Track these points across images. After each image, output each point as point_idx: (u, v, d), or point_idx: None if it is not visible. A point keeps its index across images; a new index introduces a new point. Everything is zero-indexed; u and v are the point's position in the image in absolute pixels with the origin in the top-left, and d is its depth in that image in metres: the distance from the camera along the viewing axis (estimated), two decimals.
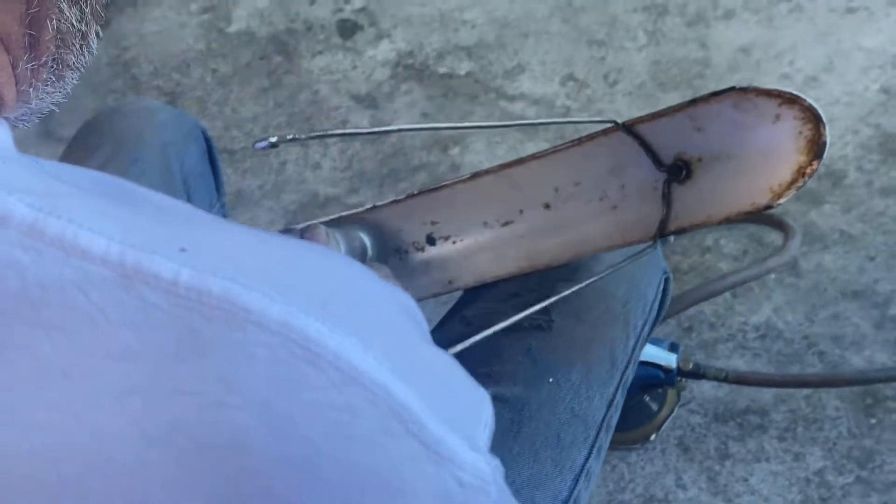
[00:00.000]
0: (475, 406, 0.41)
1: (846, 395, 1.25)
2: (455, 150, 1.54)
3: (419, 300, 0.84)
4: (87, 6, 0.44)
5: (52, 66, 0.44)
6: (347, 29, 1.70)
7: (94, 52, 0.46)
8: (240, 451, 0.33)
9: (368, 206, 0.80)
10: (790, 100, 0.67)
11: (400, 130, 0.75)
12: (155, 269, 0.33)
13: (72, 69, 0.45)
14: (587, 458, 0.75)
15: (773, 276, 1.35)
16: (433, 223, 0.80)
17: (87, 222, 0.34)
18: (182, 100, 1.66)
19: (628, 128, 0.72)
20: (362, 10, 1.72)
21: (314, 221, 0.78)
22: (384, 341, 0.36)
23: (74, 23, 0.43)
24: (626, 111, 1.55)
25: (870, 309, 1.32)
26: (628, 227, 0.74)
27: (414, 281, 0.81)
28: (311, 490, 0.34)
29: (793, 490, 1.19)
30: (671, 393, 1.26)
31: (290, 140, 0.64)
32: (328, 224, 0.78)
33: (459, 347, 0.62)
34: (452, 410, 0.38)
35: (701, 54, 1.57)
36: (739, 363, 1.30)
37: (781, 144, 0.68)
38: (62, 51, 0.44)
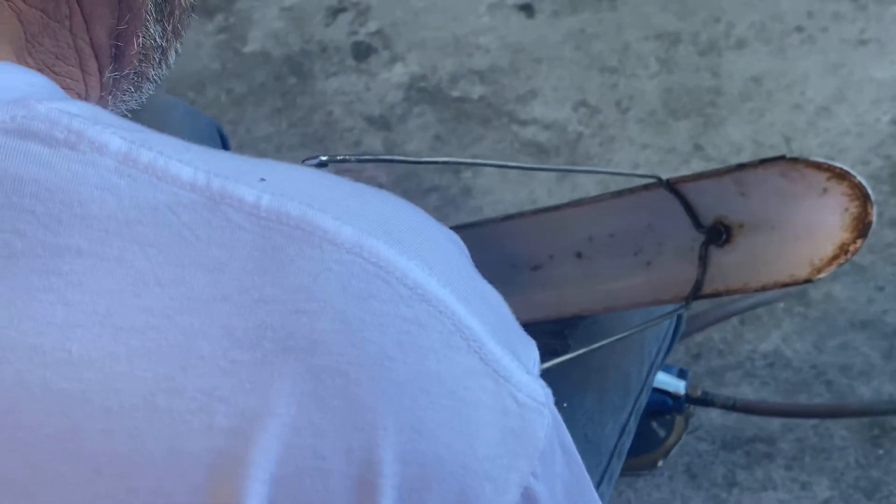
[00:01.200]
0: (527, 345, 0.43)
1: (853, 425, 1.25)
2: (467, 174, 1.55)
3: None
4: (169, 24, 0.48)
5: (133, 78, 0.48)
6: (362, 51, 1.71)
7: (172, 66, 0.50)
8: (318, 353, 0.35)
9: None
10: (840, 175, 0.67)
11: (449, 163, 0.75)
12: (238, 193, 0.36)
13: (150, 81, 0.49)
14: (598, 485, 0.75)
15: (781, 305, 1.36)
16: None
17: (174, 154, 0.37)
18: None
19: (671, 186, 0.72)
20: (377, 32, 1.73)
21: None
22: (445, 266, 0.39)
23: (157, 39, 0.47)
24: (638, 138, 1.56)
25: (878, 339, 1.32)
26: (661, 286, 0.74)
27: None
28: (383, 391, 0.36)
29: None
30: (679, 420, 1.26)
31: (340, 161, 0.64)
32: None
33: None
34: (507, 337, 0.40)
35: (713, 83, 1.58)
36: (747, 391, 1.30)
37: (826, 219, 0.68)
38: (143, 65, 0.48)
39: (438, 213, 1.51)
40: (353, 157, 0.66)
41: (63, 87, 0.44)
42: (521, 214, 0.77)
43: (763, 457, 1.25)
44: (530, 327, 0.78)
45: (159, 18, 0.47)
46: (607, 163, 1.55)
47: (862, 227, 0.67)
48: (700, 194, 0.72)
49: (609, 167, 1.54)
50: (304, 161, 0.64)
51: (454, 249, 0.41)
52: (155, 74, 0.49)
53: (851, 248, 0.67)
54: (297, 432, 0.35)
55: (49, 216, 0.36)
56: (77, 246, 0.36)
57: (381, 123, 1.63)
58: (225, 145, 1.01)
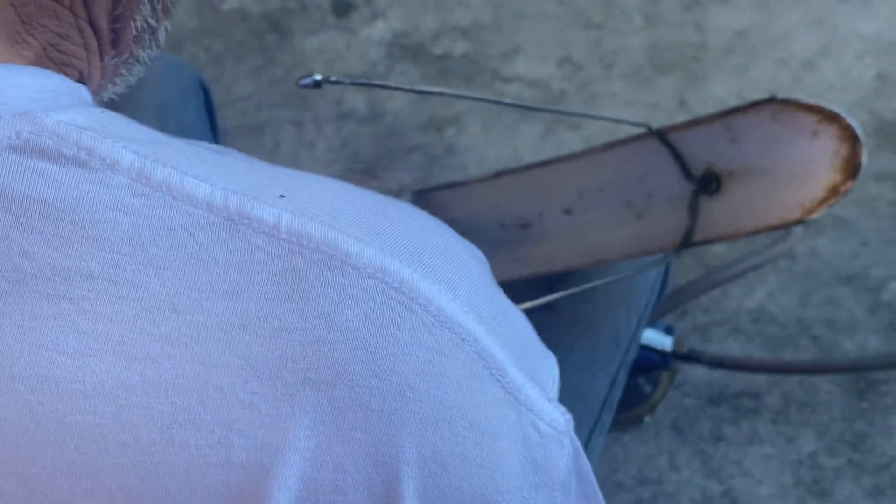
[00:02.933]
0: (547, 362, 0.42)
1: (839, 379, 1.25)
2: (451, 132, 1.53)
3: None
4: (159, 4, 0.46)
5: (129, 62, 0.46)
6: (342, 8, 1.69)
7: (161, 45, 0.48)
8: (340, 384, 0.34)
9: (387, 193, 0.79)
10: (830, 117, 0.66)
11: (441, 94, 0.72)
12: (257, 213, 0.35)
13: (140, 63, 0.47)
14: (590, 436, 0.75)
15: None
16: (451, 221, 0.79)
17: (189, 170, 0.35)
18: None
19: (662, 135, 0.71)
20: None
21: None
22: (469, 291, 0.38)
23: (149, 20, 0.45)
24: (623, 94, 1.54)
25: (863, 294, 1.32)
26: (651, 237, 0.73)
27: None
28: (405, 422, 0.35)
29: (785, 472, 1.20)
30: (665, 376, 1.26)
31: (335, 82, 0.62)
32: None
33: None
34: (529, 362, 0.39)
35: (697, 38, 1.57)
36: (734, 346, 1.30)
37: (817, 161, 0.67)
38: (137, 48, 0.46)
39: (422, 173, 1.50)
40: (347, 80, 0.64)
41: (67, 66, 0.42)
42: (510, 171, 0.75)
43: (749, 411, 1.25)
44: (520, 283, 0.77)
45: None
46: (592, 119, 1.53)
47: (852, 169, 0.66)
48: (690, 143, 0.71)
49: (595, 123, 1.53)
50: (297, 81, 0.62)
51: (478, 268, 0.40)
52: (145, 56, 0.47)
53: (842, 189, 0.67)
54: (317, 467, 0.34)
55: (59, 238, 0.34)
56: (89, 269, 0.34)
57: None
58: (208, 99, 0.99)
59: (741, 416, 1.25)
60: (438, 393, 0.35)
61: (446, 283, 0.37)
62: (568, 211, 0.76)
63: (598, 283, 0.70)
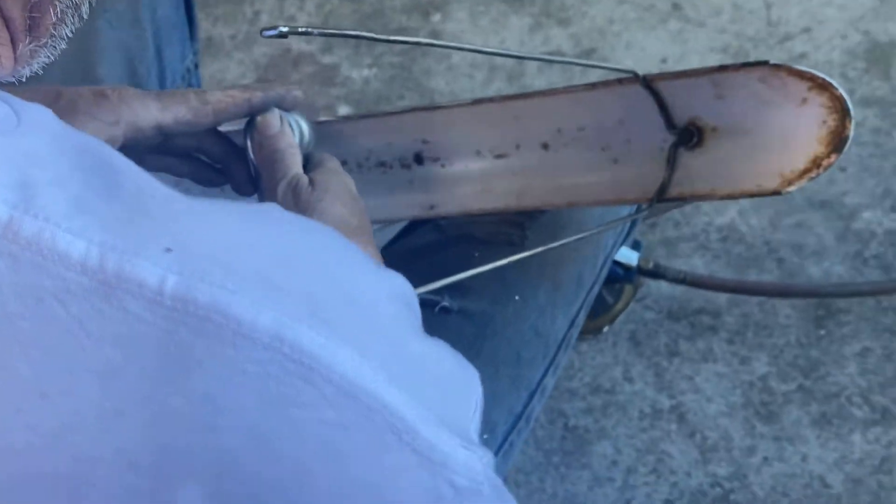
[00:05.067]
0: (466, 392, 0.41)
1: (798, 304, 1.27)
2: (436, 17, 1.49)
3: (396, 221, 0.82)
4: None
5: (49, 44, 0.42)
6: None
7: (85, 18, 0.43)
8: (228, 476, 0.32)
9: (360, 114, 0.77)
10: (821, 85, 0.64)
11: (418, 43, 0.69)
12: (138, 274, 0.31)
13: (64, 39, 0.43)
14: (544, 376, 0.76)
15: None
16: (424, 142, 0.76)
17: (64, 221, 0.32)
18: None
19: (647, 82, 0.69)
20: None
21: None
22: (379, 346, 0.35)
23: None
24: None
25: (834, 220, 1.32)
26: (626, 185, 0.72)
27: (394, 198, 0.77)
28: None
29: (735, 392, 1.22)
30: (628, 288, 1.27)
31: (302, 33, 0.59)
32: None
33: (435, 286, 0.61)
34: (445, 407, 0.38)
35: None
36: (699, 263, 1.31)
37: (802, 130, 0.65)
38: (59, 28, 0.42)
39: (405, 58, 1.46)
40: (315, 31, 0.61)
41: None
42: (491, 99, 0.73)
43: (707, 329, 1.27)
44: (490, 216, 0.76)
45: None
46: (583, 15, 1.49)
47: (838, 142, 0.65)
48: (676, 93, 0.69)
49: (584, 20, 1.49)
50: (261, 31, 0.59)
51: (392, 311, 0.37)
52: (69, 31, 0.43)
53: (825, 162, 0.65)
54: None
55: None
56: None
57: None
58: (189, 6, 0.94)
59: (698, 334, 1.27)
60: (340, 472, 0.33)
61: (352, 341, 0.34)
62: (545, 146, 0.74)
63: (570, 239, 0.69)
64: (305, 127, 0.71)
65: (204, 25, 1.49)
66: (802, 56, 1.44)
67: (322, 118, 0.77)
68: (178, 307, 0.31)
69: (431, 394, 0.37)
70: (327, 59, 1.47)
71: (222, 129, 0.71)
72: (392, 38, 0.65)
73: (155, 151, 0.68)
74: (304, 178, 0.63)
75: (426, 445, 0.35)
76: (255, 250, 0.34)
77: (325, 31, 0.62)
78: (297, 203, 0.61)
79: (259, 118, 0.68)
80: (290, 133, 0.69)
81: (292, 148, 0.66)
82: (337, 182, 0.63)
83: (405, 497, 0.35)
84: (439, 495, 0.36)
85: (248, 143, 0.68)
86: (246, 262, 0.33)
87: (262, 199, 0.68)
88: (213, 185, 0.73)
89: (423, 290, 0.62)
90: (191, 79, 0.97)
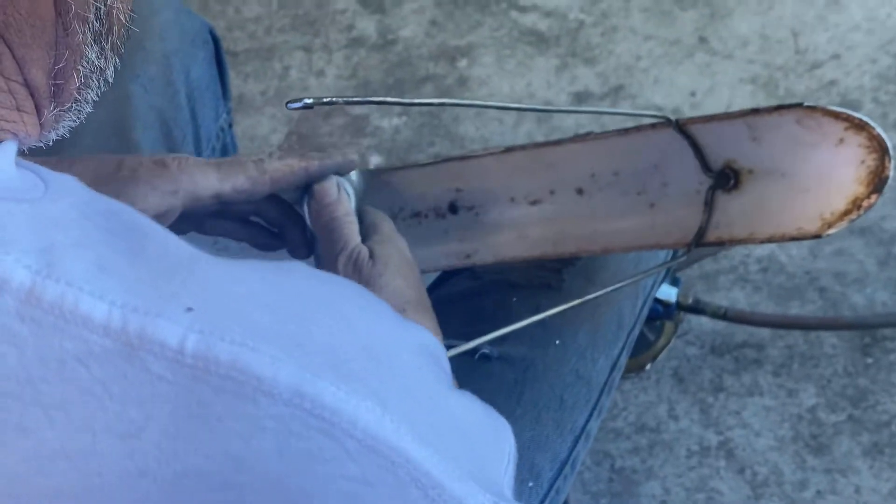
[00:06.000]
0: (496, 444, 0.40)
1: (844, 333, 1.25)
2: (463, 63, 1.50)
3: (433, 271, 0.82)
4: (107, 43, 0.42)
5: (75, 109, 0.43)
6: None
7: (111, 82, 0.44)
8: None
9: (393, 166, 0.77)
10: (858, 125, 0.63)
11: (442, 104, 0.70)
12: (160, 335, 0.32)
13: (89, 103, 0.44)
14: (588, 420, 0.75)
15: None
16: (458, 190, 0.76)
17: (87, 284, 0.32)
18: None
19: (681, 126, 0.68)
20: None
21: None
22: (402, 399, 0.35)
23: (95, 62, 0.42)
24: (641, 28, 1.50)
25: (875, 246, 1.31)
26: (664, 229, 0.71)
27: (430, 249, 0.77)
28: None
29: (784, 426, 1.20)
30: (669, 325, 1.26)
31: (327, 103, 0.60)
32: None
33: (480, 341, 0.61)
34: (473, 461, 0.37)
35: None
36: (739, 296, 1.29)
37: (840, 170, 0.64)
38: (84, 92, 0.43)
39: (434, 106, 1.47)
40: (340, 100, 0.61)
41: None
42: (523, 147, 0.73)
43: (751, 362, 1.25)
44: (527, 263, 0.76)
45: (97, 40, 0.41)
46: (609, 53, 1.50)
47: (878, 182, 0.63)
48: (710, 136, 0.69)
49: (611, 58, 1.49)
50: (286, 104, 0.60)
51: (417, 364, 0.37)
52: (95, 94, 0.44)
53: (865, 203, 0.64)
54: None
55: None
56: None
57: (375, 6, 1.57)
58: (218, 50, 0.96)
59: (743, 368, 1.25)
60: None
61: (374, 395, 0.33)
62: (580, 191, 0.74)
63: (604, 291, 0.68)
64: (357, 180, 0.72)
65: (235, 83, 1.52)
66: (832, 83, 1.44)
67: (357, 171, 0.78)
68: (200, 366, 0.32)
69: (459, 447, 0.37)
70: (357, 110, 1.48)
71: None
72: (417, 101, 0.66)
73: (213, 216, 0.70)
74: (365, 251, 0.64)
75: (453, 500, 0.35)
76: (275, 307, 0.35)
77: (350, 99, 0.63)
78: (360, 278, 0.62)
79: (316, 186, 0.69)
80: (347, 201, 0.69)
81: (349, 216, 0.67)
82: (396, 253, 0.64)
83: None
84: None
85: (306, 210, 0.69)
86: (266, 319, 0.34)
87: (318, 266, 0.69)
88: (270, 249, 0.74)
89: (470, 344, 0.62)
90: (225, 138, 0.98)
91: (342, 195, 0.68)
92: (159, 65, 0.89)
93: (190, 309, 0.32)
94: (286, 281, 0.37)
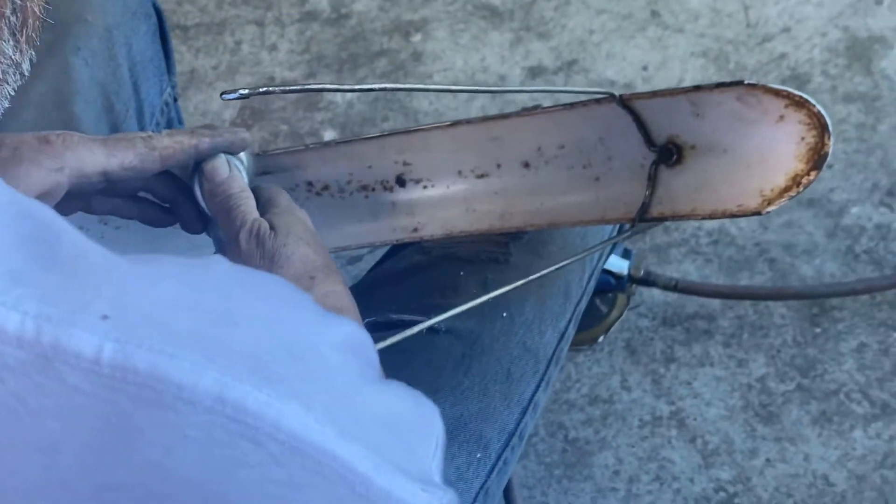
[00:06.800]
0: (425, 432, 0.41)
1: (793, 304, 1.27)
2: (417, 37, 1.49)
3: (381, 245, 0.83)
4: (22, 36, 0.41)
5: None
6: None
7: (27, 74, 0.43)
8: None
9: (340, 139, 0.77)
10: (798, 102, 0.64)
11: (383, 89, 0.69)
12: (75, 345, 0.31)
13: (6, 98, 0.43)
14: (535, 392, 0.76)
15: None
16: (405, 164, 0.76)
17: (0, 293, 0.31)
18: None
19: (625, 102, 0.69)
20: None
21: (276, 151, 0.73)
22: (326, 397, 0.35)
23: (12, 55, 0.41)
24: (594, 2, 1.51)
25: (823, 218, 1.33)
26: (608, 204, 0.72)
27: (378, 222, 0.77)
28: None
29: (734, 395, 1.22)
30: (621, 297, 1.27)
31: (262, 93, 0.59)
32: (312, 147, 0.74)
33: (422, 326, 0.61)
34: (401, 450, 0.37)
35: None
36: (690, 268, 1.31)
37: (780, 147, 0.65)
38: (1, 87, 0.42)
39: (387, 80, 1.46)
40: (277, 90, 0.61)
41: None
42: (469, 121, 0.73)
43: (702, 333, 1.27)
44: (474, 237, 0.76)
45: (12, 34, 0.40)
46: (562, 28, 1.50)
47: (817, 159, 0.64)
48: (653, 112, 0.69)
49: (564, 32, 1.49)
50: (221, 94, 0.59)
51: (339, 360, 0.37)
52: (11, 90, 0.43)
53: (804, 179, 0.65)
54: None
55: None
56: None
57: None
58: (161, 23, 0.94)
59: (694, 338, 1.27)
60: None
61: (298, 396, 0.33)
62: (526, 164, 0.74)
63: (553, 268, 0.69)
64: (248, 162, 0.70)
65: (186, 58, 1.50)
66: (783, 56, 1.45)
67: (304, 144, 0.77)
68: (117, 375, 0.31)
69: (385, 440, 0.37)
70: (310, 85, 1.47)
71: None
72: (357, 87, 0.66)
73: (102, 193, 0.68)
74: (265, 224, 0.63)
75: (381, 493, 0.35)
76: (195, 311, 0.34)
77: (287, 88, 0.62)
78: (263, 251, 0.61)
79: (206, 165, 0.67)
80: (240, 177, 0.68)
81: (244, 192, 0.66)
82: (296, 222, 0.63)
83: None
84: None
85: (197, 189, 0.68)
86: (186, 323, 0.33)
87: (217, 244, 0.68)
88: (162, 225, 0.72)
89: (427, 323, 0.62)
90: (170, 112, 0.97)
91: (234, 172, 0.67)
92: (101, 38, 0.88)
93: (106, 317, 0.32)
94: (206, 280, 0.36)
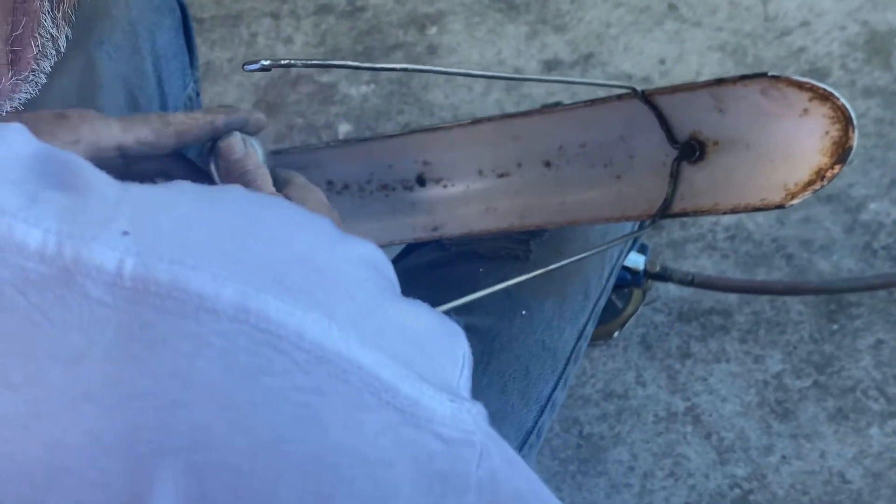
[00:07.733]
0: (449, 347, 0.40)
1: (810, 300, 1.26)
2: (433, 30, 1.49)
3: (400, 243, 0.82)
4: (59, 12, 0.41)
5: (31, 78, 0.42)
6: None
7: (63, 51, 0.43)
8: (202, 449, 0.32)
9: (360, 137, 0.77)
10: (823, 95, 0.63)
11: (405, 69, 0.68)
12: (97, 259, 0.31)
13: (45, 73, 0.43)
14: (554, 390, 0.75)
15: None
16: (425, 163, 0.76)
17: (21, 211, 0.32)
18: None
19: (646, 97, 0.68)
20: None
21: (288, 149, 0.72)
22: (347, 307, 0.35)
23: (50, 31, 0.41)
24: None
25: (841, 213, 1.32)
26: (629, 201, 0.71)
27: (397, 221, 0.77)
28: (281, 477, 0.33)
29: (750, 392, 1.22)
30: (637, 292, 1.26)
31: (285, 65, 0.59)
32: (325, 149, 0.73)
33: (448, 306, 0.61)
34: (426, 363, 0.37)
35: None
36: (707, 263, 1.30)
37: (804, 141, 0.64)
38: (41, 61, 0.42)
39: (403, 73, 1.46)
40: (299, 62, 0.60)
41: None
42: (491, 119, 0.73)
43: (718, 329, 1.26)
44: (494, 235, 0.76)
45: (51, 8, 0.41)
46: (579, 21, 1.49)
47: (842, 152, 0.64)
48: (675, 108, 0.69)
49: (580, 25, 1.49)
50: (243, 66, 0.59)
51: (360, 274, 0.37)
52: (49, 65, 0.43)
53: (828, 173, 0.64)
54: None
55: None
56: None
57: None
58: (185, 18, 0.94)
59: (710, 334, 1.26)
60: (318, 438, 0.33)
61: (319, 306, 0.33)
62: (547, 164, 0.74)
63: (571, 260, 0.69)
64: (262, 152, 0.70)
65: (202, 50, 1.50)
66: (801, 50, 1.44)
67: (323, 141, 0.77)
68: (139, 287, 0.31)
69: (410, 351, 0.37)
70: (325, 78, 1.47)
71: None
72: (379, 66, 0.66)
73: (118, 177, 0.68)
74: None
75: (408, 402, 0.35)
76: (214, 225, 0.34)
77: (309, 62, 0.62)
78: None
79: (221, 143, 0.67)
80: (255, 154, 0.68)
81: (261, 168, 0.66)
82: (312, 197, 0.63)
83: (390, 456, 0.35)
84: (428, 450, 0.36)
85: (213, 168, 0.68)
86: (205, 238, 0.33)
87: None
88: None
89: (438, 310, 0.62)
90: (193, 107, 0.97)
91: (249, 149, 0.67)
92: (125, 32, 0.88)
93: (126, 233, 0.32)
94: (223, 200, 0.37)
